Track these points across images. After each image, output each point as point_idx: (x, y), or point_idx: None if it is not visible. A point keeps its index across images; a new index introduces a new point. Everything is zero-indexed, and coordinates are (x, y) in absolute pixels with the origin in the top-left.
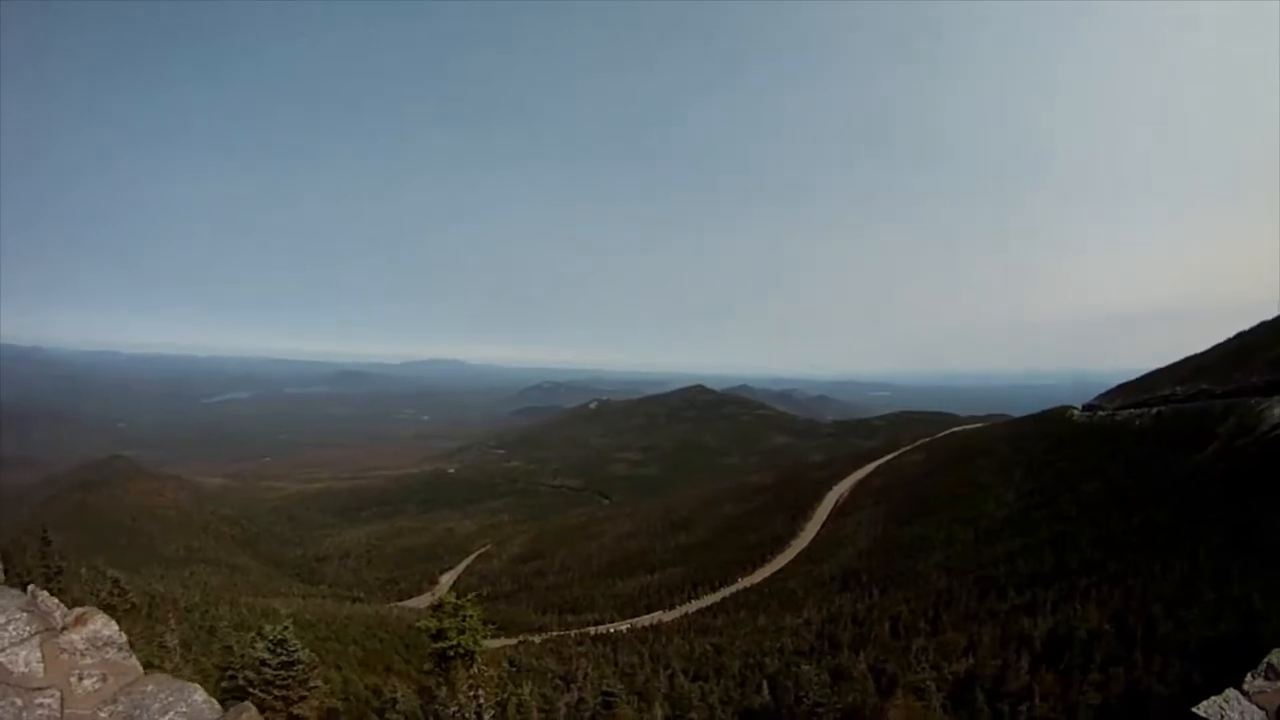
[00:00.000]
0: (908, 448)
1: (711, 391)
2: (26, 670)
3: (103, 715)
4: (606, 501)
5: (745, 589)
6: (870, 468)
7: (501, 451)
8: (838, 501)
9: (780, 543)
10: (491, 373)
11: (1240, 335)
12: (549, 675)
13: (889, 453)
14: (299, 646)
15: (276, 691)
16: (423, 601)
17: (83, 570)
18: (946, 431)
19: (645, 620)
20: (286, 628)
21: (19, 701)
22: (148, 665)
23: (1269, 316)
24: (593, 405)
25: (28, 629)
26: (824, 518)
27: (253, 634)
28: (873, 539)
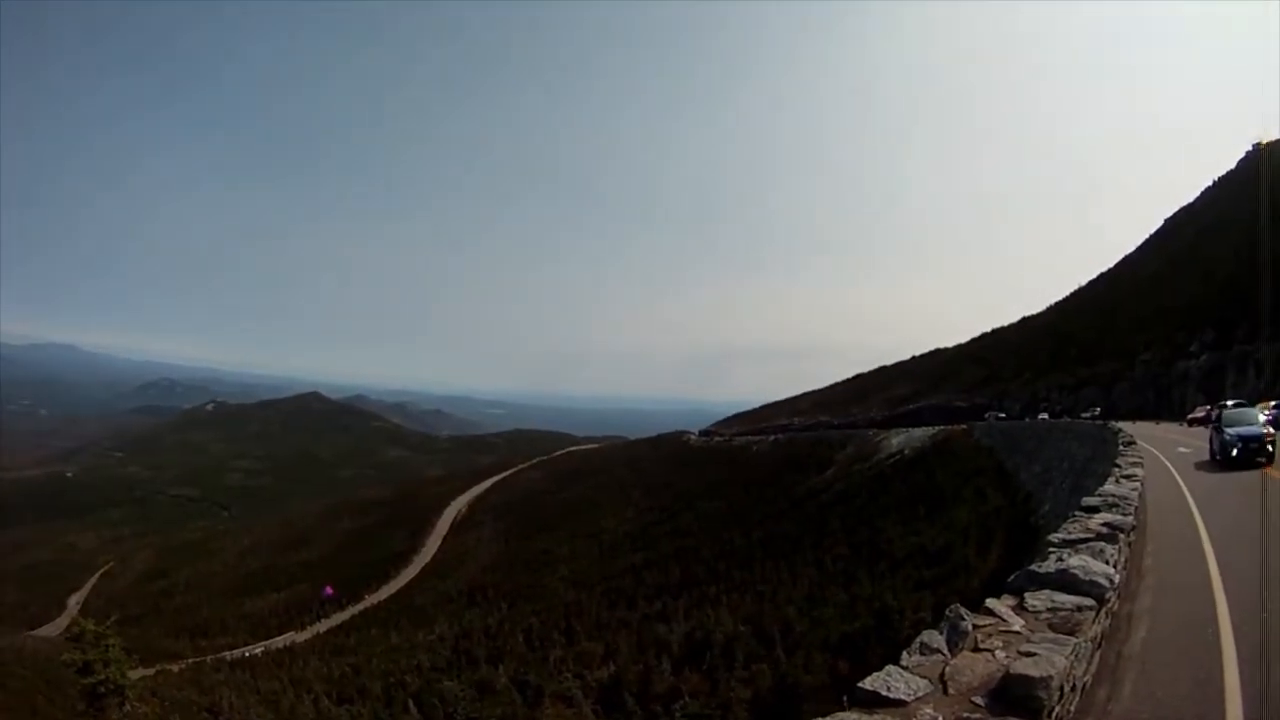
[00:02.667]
0: (525, 465)
1: (328, 400)
2: None
3: None
4: (226, 513)
5: (373, 606)
6: (489, 483)
7: (120, 455)
8: (457, 517)
9: (403, 559)
10: (108, 363)
11: (859, 376)
12: (194, 708)
13: (506, 469)
14: None
15: None
16: (56, 629)
17: None
18: (563, 450)
19: (279, 641)
20: None
21: None
22: None
23: (886, 362)
24: (209, 407)
25: None
26: (444, 533)
27: None
28: (496, 554)
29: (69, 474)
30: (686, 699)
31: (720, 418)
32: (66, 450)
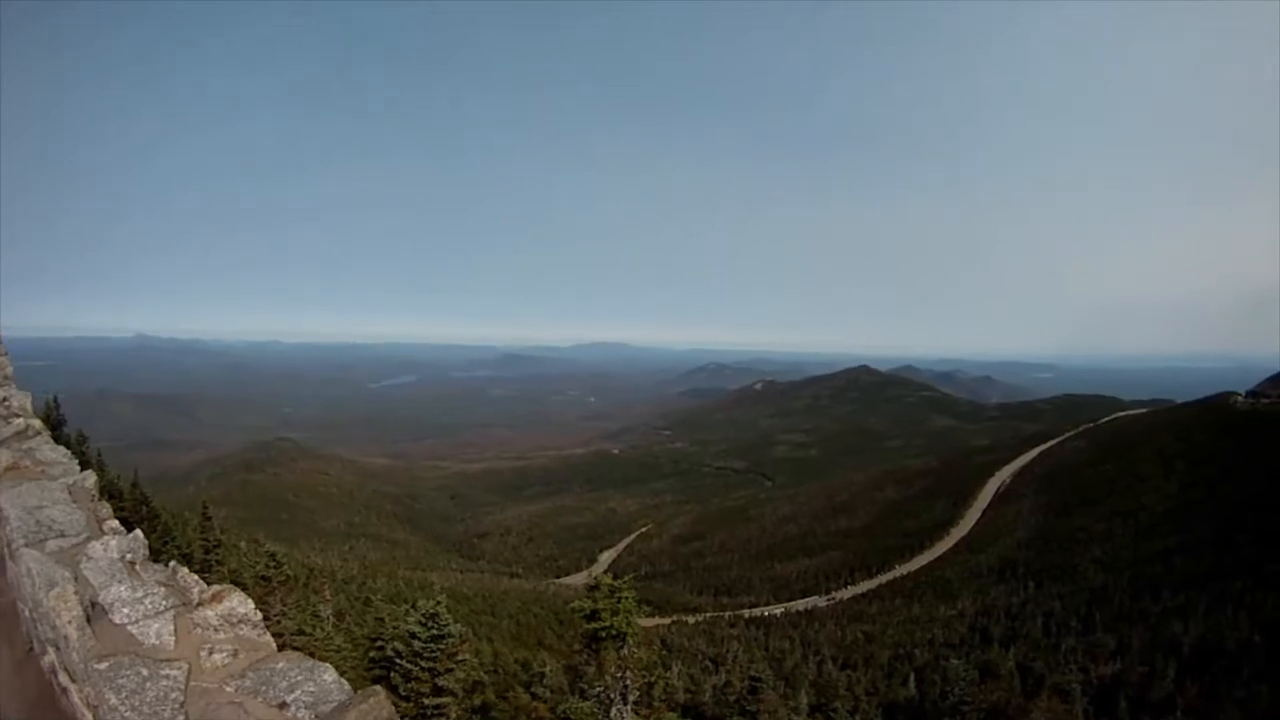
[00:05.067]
0: (1071, 433)
1: (876, 373)
2: (157, 642)
3: (229, 688)
4: (769, 483)
5: (902, 576)
6: (1033, 454)
7: (667, 432)
8: (999, 488)
9: (940, 529)
10: (656, 355)
11: None
12: (699, 657)
13: (1052, 438)
14: (450, 620)
15: (423, 663)
16: (581, 579)
17: (241, 544)
18: (1109, 417)
19: (800, 605)
20: (439, 602)
21: (144, 671)
22: (299, 633)
23: None
24: (758, 386)
25: (163, 603)
26: (985, 505)
27: (406, 607)
28: (1032, 529)
29: (615, 451)
30: (1179, 713)
31: (1271, 373)
32: (614, 431)
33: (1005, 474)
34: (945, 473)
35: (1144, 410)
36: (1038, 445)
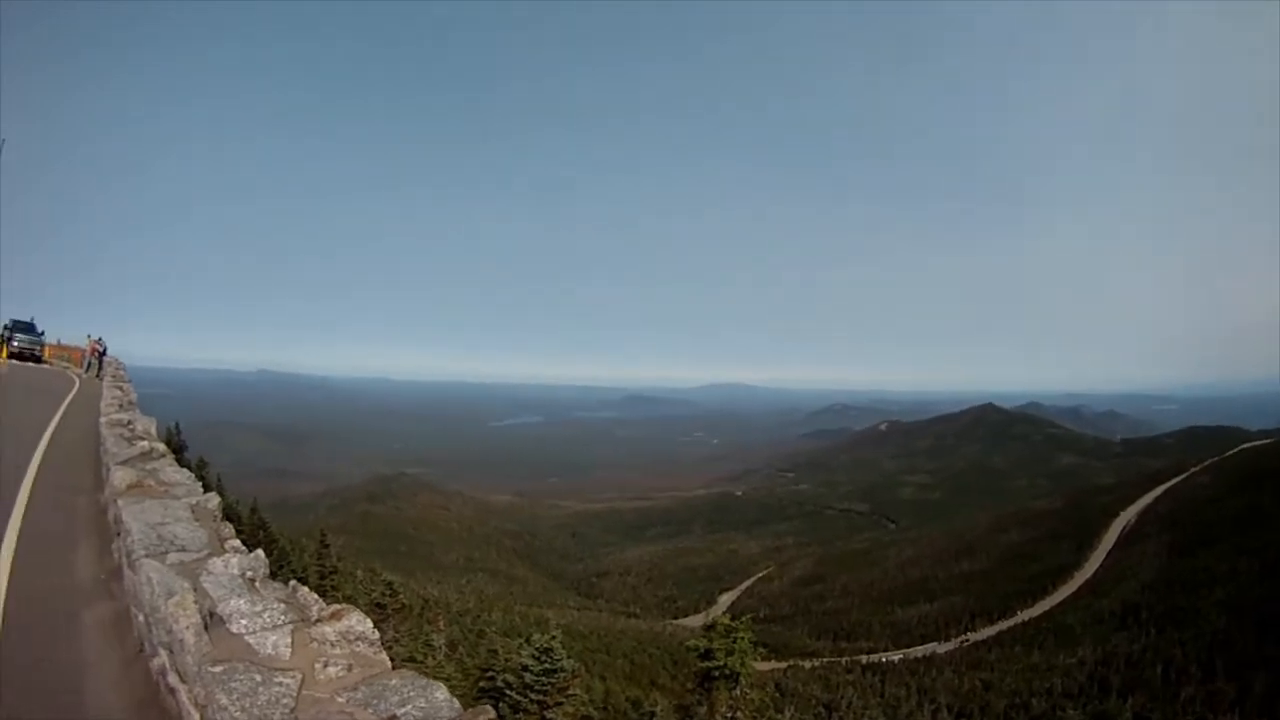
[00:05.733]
0: (1195, 469)
1: (1002, 410)
2: (273, 653)
3: (340, 699)
4: (893, 526)
5: (1023, 622)
6: (1158, 491)
7: (790, 474)
8: (1124, 528)
9: (1064, 573)
10: (779, 395)
11: None
12: (813, 702)
13: (1177, 474)
14: (564, 656)
15: (533, 696)
16: (698, 620)
17: (358, 572)
18: (1235, 450)
19: (919, 651)
20: (554, 637)
21: (258, 677)
22: (409, 660)
23: None
24: (882, 427)
25: (282, 618)
26: (1110, 546)
27: (520, 640)
28: (1155, 571)
29: (738, 493)
30: None
31: None
32: (737, 473)
33: (1130, 513)
34: (1069, 513)
35: (1269, 440)
36: (1162, 483)
